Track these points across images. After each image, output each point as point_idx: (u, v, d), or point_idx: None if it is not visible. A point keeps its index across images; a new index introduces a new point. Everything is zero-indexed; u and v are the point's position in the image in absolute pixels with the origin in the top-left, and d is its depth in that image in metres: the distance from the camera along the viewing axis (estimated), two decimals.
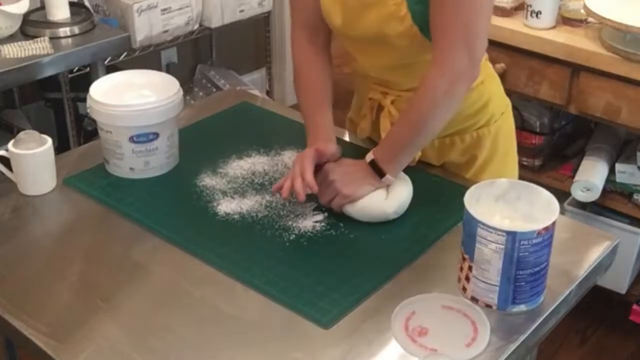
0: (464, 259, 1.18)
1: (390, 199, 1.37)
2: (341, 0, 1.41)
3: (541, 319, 1.17)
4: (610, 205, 2.35)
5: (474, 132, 1.53)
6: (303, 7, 1.50)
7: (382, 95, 1.51)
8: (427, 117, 1.34)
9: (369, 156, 1.38)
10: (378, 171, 1.37)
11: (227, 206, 1.41)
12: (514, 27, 2.24)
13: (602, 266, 1.32)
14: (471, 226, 1.14)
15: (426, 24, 1.33)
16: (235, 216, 1.39)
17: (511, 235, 1.10)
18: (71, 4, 2.45)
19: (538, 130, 2.41)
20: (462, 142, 1.53)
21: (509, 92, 1.63)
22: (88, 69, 2.48)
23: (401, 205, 1.38)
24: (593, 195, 2.29)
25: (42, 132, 1.48)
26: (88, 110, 1.50)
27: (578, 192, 2.30)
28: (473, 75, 1.34)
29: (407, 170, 1.45)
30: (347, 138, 1.66)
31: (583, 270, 1.27)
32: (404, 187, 1.39)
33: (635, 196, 2.29)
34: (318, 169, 1.40)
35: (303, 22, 1.52)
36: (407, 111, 1.37)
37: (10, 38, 2.30)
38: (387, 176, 1.37)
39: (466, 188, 1.21)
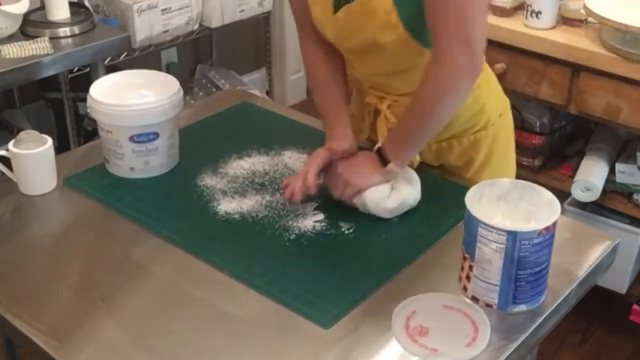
0: (464, 258, 1.18)
1: (391, 197, 1.37)
2: (332, 15, 1.39)
3: (541, 318, 1.17)
4: (610, 205, 2.35)
5: (471, 136, 1.52)
6: (301, 7, 1.48)
7: (379, 100, 1.50)
8: (431, 111, 1.34)
9: (377, 145, 1.39)
10: (383, 160, 1.37)
11: (227, 206, 1.41)
12: (513, 27, 2.23)
13: (602, 266, 1.32)
14: (472, 226, 1.14)
15: (418, 28, 1.32)
16: (236, 216, 1.39)
17: (512, 235, 1.10)
18: (71, 4, 2.45)
19: (538, 130, 2.41)
20: (460, 144, 1.52)
21: (508, 92, 1.62)
22: (88, 69, 2.48)
23: (399, 207, 1.38)
24: (593, 195, 2.29)
25: (42, 132, 1.48)
26: (88, 110, 1.50)
27: (578, 192, 2.30)
28: (475, 69, 1.32)
29: None
30: None
31: (583, 270, 1.27)
32: (408, 189, 1.39)
33: (635, 196, 2.29)
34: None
35: (307, 22, 1.50)
36: (411, 105, 1.36)
37: (10, 38, 2.29)
38: (391, 165, 1.36)
39: (466, 188, 1.21)
